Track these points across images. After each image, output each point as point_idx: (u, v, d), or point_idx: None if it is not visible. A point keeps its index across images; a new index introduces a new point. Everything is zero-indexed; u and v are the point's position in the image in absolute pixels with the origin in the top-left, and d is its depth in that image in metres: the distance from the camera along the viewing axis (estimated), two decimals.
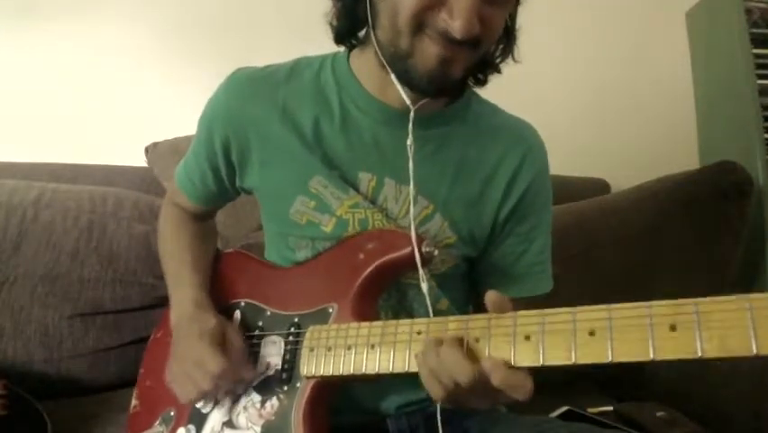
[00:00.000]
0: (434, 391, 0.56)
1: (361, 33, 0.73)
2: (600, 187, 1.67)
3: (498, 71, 0.75)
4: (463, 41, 0.61)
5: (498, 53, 0.74)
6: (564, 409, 1.04)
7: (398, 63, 0.67)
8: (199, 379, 0.68)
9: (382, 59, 0.68)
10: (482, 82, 0.77)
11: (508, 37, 0.73)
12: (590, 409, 1.06)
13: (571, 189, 1.52)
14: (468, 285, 0.85)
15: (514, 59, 0.74)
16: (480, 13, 0.61)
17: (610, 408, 1.11)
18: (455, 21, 0.60)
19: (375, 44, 0.68)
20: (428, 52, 0.64)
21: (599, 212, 1.43)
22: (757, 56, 1.58)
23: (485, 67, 0.75)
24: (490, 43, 0.69)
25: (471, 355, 0.54)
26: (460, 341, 0.55)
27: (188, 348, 0.71)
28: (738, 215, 1.35)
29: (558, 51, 1.79)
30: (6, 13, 1.55)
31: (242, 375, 0.71)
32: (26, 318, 1.15)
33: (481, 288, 0.85)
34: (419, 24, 0.62)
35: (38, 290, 1.16)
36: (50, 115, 1.57)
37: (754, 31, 1.59)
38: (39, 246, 1.18)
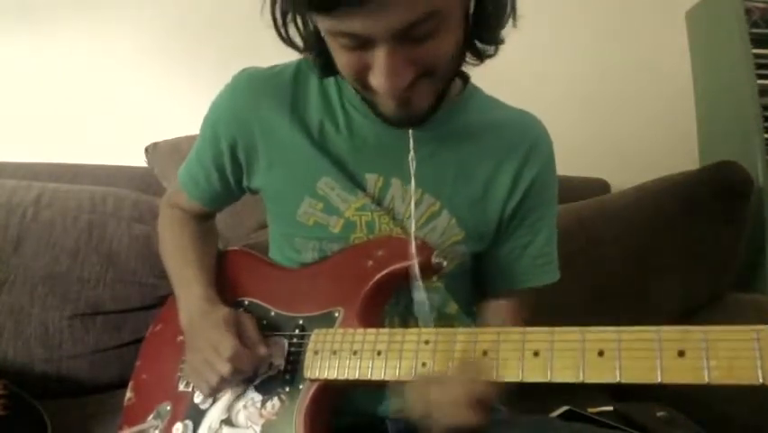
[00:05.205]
0: (416, 412, 0.57)
1: None
2: (600, 187, 1.67)
3: (499, 43, 0.66)
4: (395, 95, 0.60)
5: (483, 33, 0.64)
6: (564, 409, 1.04)
7: (366, 100, 0.67)
8: (218, 363, 0.68)
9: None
10: (480, 57, 0.68)
11: (484, 15, 0.62)
12: (590, 410, 1.06)
13: (571, 189, 1.52)
14: (473, 283, 0.85)
15: (515, 21, 0.64)
16: (411, 56, 0.57)
17: (610, 408, 1.10)
18: (378, 80, 0.58)
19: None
20: (384, 103, 0.64)
21: (599, 212, 1.42)
22: (757, 56, 1.58)
23: (477, 48, 0.66)
24: (444, 66, 0.62)
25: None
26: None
27: (204, 338, 0.71)
28: (738, 215, 1.36)
29: (558, 52, 1.79)
30: (6, 13, 1.55)
31: (259, 357, 0.70)
32: (26, 318, 1.14)
33: (487, 280, 0.84)
34: (363, 84, 0.62)
35: (38, 290, 1.16)
36: (50, 115, 1.57)
37: (754, 31, 1.59)
38: (39, 246, 1.18)
